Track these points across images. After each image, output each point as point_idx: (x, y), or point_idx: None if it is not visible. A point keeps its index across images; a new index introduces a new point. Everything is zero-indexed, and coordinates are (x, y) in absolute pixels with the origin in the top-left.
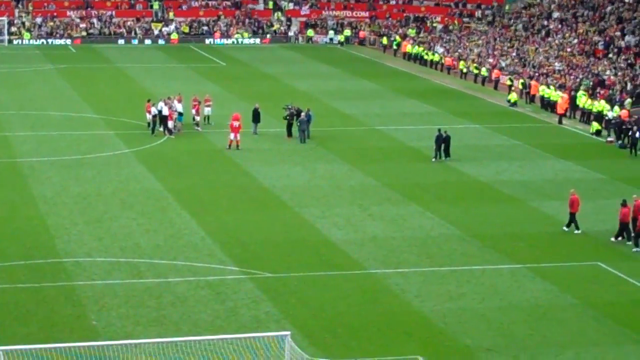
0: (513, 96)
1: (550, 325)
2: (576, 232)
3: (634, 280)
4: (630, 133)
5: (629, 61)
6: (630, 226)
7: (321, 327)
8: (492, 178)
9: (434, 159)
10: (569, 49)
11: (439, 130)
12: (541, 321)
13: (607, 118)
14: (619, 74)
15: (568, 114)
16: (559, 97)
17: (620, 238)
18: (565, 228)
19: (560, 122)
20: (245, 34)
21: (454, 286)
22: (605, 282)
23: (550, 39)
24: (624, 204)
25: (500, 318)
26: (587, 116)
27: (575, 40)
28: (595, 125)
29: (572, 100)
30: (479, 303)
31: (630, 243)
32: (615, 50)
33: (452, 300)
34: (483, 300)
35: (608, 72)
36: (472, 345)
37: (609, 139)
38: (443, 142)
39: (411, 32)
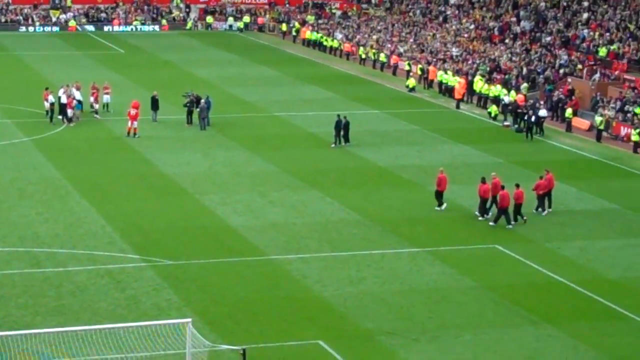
0: (411, 82)
1: (449, 307)
2: (437, 208)
3: (530, 262)
4: (526, 117)
5: (525, 46)
6: (512, 208)
7: (222, 313)
8: (391, 163)
9: (333, 145)
10: (465, 35)
11: (339, 116)
12: (440, 304)
13: (503, 102)
14: (515, 59)
15: (465, 98)
16: (457, 82)
17: (483, 214)
18: (437, 208)
19: (457, 107)
20: (138, 21)
21: (355, 271)
22: (502, 264)
23: (447, 24)
24: (483, 181)
25: (400, 301)
26: (484, 101)
27: (472, 26)
28: (494, 109)
29: (469, 85)
30: (379, 287)
31: (510, 226)
32: (511, 35)
33: (352, 285)
34: (383, 284)
35: (504, 57)
36: (373, 329)
37: (505, 123)
38: (342, 128)
39: (310, 18)
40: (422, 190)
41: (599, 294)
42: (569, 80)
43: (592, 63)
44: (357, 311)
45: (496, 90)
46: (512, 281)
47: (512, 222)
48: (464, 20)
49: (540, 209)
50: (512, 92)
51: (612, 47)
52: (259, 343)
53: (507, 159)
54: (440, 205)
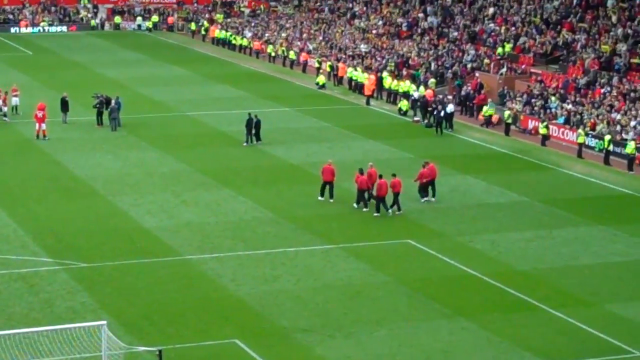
0: (321, 79)
1: (364, 303)
2: (320, 198)
3: (443, 256)
4: (435, 112)
5: (433, 42)
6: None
7: (138, 315)
8: (303, 160)
9: (245, 143)
10: (374, 31)
11: (250, 114)
12: (355, 300)
13: (412, 98)
14: (423, 54)
15: (375, 95)
16: (366, 78)
17: (360, 204)
18: (320, 197)
19: (368, 103)
20: (45, 22)
21: (269, 269)
22: (416, 259)
23: (356, 21)
24: (360, 172)
25: (315, 298)
26: (393, 97)
27: (380, 22)
28: (403, 105)
29: (379, 81)
30: (294, 284)
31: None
32: (419, 31)
33: (267, 283)
34: (298, 281)
35: (413, 53)
36: (289, 327)
37: (415, 118)
38: (254, 127)
39: (219, 17)
40: (334, 187)
41: (510, 286)
42: (477, 74)
43: (499, 57)
44: (272, 309)
45: (405, 85)
46: (425, 275)
47: (389, 210)
48: (372, 17)
49: (425, 198)
50: (421, 88)
51: (515, 44)
52: (175, 343)
53: (418, 154)
54: (326, 195)
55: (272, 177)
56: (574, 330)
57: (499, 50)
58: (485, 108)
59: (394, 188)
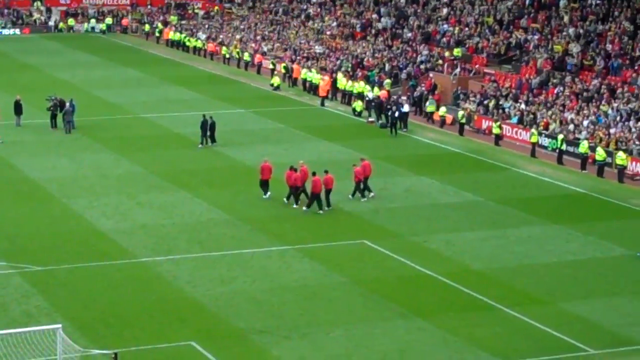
0: (276, 80)
1: (319, 304)
2: (264, 197)
3: (398, 256)
4: (389, 113)
5: (387, 43)
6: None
7: (93, 318)
8: (259, 161)
9: (200, 145)
10: (328, 32)
11: (204, 116)
12: (311, 300)
13: (367, 99)
14: (377, 55)
15: (330, 96)
16: (321, 79)
17: (290, 199)
18: (264, 196)
19: (322, 104)
20: None
21: (225, 270)
22: (371, 259)
23: (310, 22)
24: (291, 169)
25: (271, 299)
26: (348, 98)
27: (334, 24)
28: (358, 106)
29: (334, 82)
30: (250, 286)
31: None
32: (373, 32)
33: (223, 285)
34: (254, 282)
35: (367, 54)
36: (245, 328)
37: (369, 119)
38: (209, 128)
39: (173, 19)
40: (286, 188)
41: (465, 285)
42: (431, 75)
43: (453, 58)
44: (228, 311)
45: (360, 86)
46: (380, 275)
47: (325, 208)
48: (326, 18)
49: (360, 194)
50: (376, 89)
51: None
52: (131, 346)
53: (372, 155)
54: (265, 193)
55: (228, 179)
56: (529, 329)
57: (446, 53)
58: (441, 109)
59: (326, 185)
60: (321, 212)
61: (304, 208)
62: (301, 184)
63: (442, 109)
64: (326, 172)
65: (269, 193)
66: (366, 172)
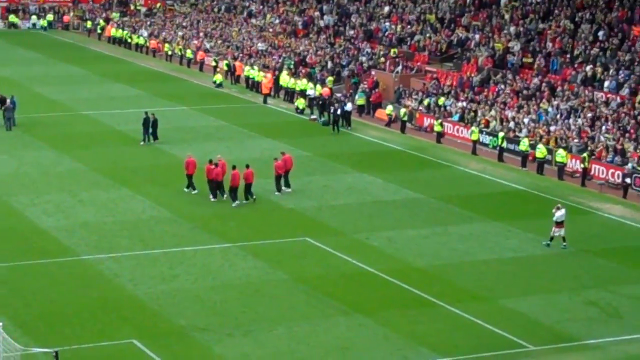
0: (218, 77)
1: (262, 301)
2: (185, 190)
3: (340, 253)
4: (332, 110)
5: (329, 40)
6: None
7: (34, 316)
8: (201, 159)
9: (142, 142)
10: (271, 30)
11: (146, 113)
12: (253, 298)
13: (309, 96)
14: (320, 52)
15: (272, 93)
16: (263, 77)
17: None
18: (185, 189)
19: (265, 101)
20: None
21: (167, 268)
22: (313, 256)
23: (252, 20)
24: (210, 163)
25: (213, 297)
26: (290, 95)
27: (277, 21)
28: (300, 103)
29: (276, 79)
30: (192, 283)
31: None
32: (315, 29)
33: (165, 282)
34: (196, 280)
35: (309, 52)
36: (187, 326)
37: (312, 116)
38: (151, 125)
39: (115, 15)
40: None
41: (407, 282)
42: (373, 73)
43: (395, 55)
44: (170, 308)
45: (302, 84)
46: (323, 273)
47: (245, 201)
48: (268, 16)
49: (277, 188)
50: (318, 86)
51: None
52: (72, 344)
53: (315, 152)
54: (189, 187)
55: (170, 176)
56: (469, 326)
57: (384, 51)
58: (388, 107)
59: (246, 179)
60: (234, 205)
61: (233, 203)
62: (221, 178)
63: (389, 107)
64: (247, 166)
65: (196, 191)
66: (287, 165)
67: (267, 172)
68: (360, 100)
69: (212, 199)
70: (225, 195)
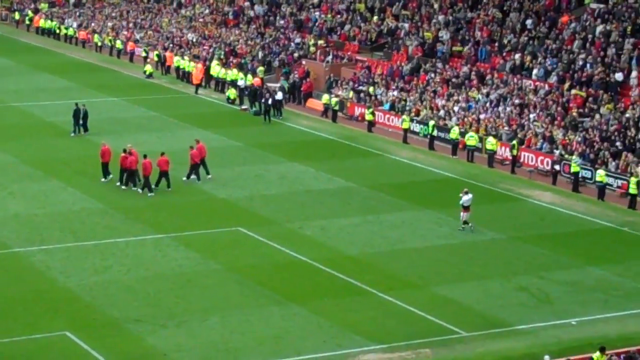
0: (149, 68)
1: (195, 291)
2: (103, 180)
3: (273, 243)
4: (263, 100)
5: (259, 30)
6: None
7: None
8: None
9: (72, 134)
10: (201, 20)
11: (77, 104)
12: (186, 288)
13: (240, 86)
14: (250, 43)
15: (203, 83)
16: (194, 67)
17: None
18: (102, 179)
19: (196, 92)
20: None
21: (99, 259)
22: (246, 246)
23: (182, 10)
24: (124, 152)
25: (146, 288)
26: (221, 85)
27: (207, 11)
28: (231, 93)
29: (207, 70)
30: (124, 275)
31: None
32: (246, 19)
33: (97, 274)
34: (129, 271)
35: (240, 42)
36: (120, 317)
37: (243, 106)
38: (81, 117)
39: (43, 6)
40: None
41: (340, 271)
42: (304, 62)
43: (326, 45)
44: (103, 300)
45: (233, 74)
46: (256, 262)
47: (156, 187)
48: (198, 6)
49: (191, 177)
50: (249, 76)
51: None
52: (4, 337)
53: (247, 142)
54: (105, 176)
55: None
56: (402, 313)
57: (311, 41)
58: (324, 96)
59: (160, 167)
60: (152, 194)
61: (139, 190)
62: (135, 167)
63: (325, 97)
64: (162, 154)
65: (110, 176)
66: (202, 153)
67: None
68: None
69: (122, 188)
70: (137, 187)
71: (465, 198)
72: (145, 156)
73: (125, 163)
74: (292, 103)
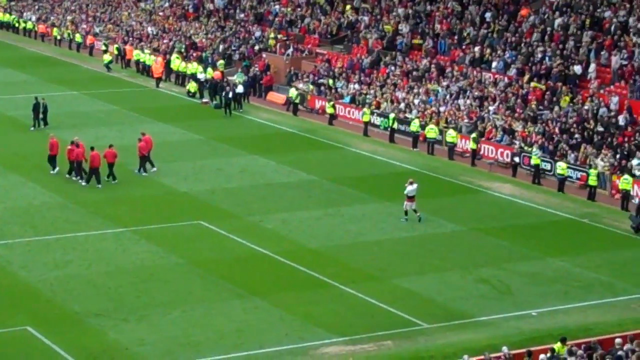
0: (107, 57)
1: (157, 286)
2: (52, 172)
3: (234, 236)
4: (223, 93)
5: (219, 23)
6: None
7: None
8: (92, 144)
9: (32, 128)
10: (161, 13)
11: (37, 98)
12: (148, 283)
13: (201, 80)
14: (210, 36)
15: (164, 77)
16: (154, 61)
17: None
18: (51, 172)
19: (157, 85)
20: None
21: (60, 254)
22: (207, 240)
23: (142, 3)
24: (71, 143)
25: (107, 282)
26: (181, 79)
27: (167, 4)
28: (192, 87)
29: (167, 63)
30: (85, 269)
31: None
32: (205, 13)
33: (58, 269)
34: (90, 266)
35: (200, 35)
36: (81, 312)
37: (203, 100)
38: (41, 111)
39: (2, 0)
40: (124, 171)
41: (301, 263)
42: (264, 55)
43: (286, 38)
44: (64, 295)
45: (193, 67)
46: (217, 256)
47: (106, 179)
48: None
49: (142, 170)
50: (209, 69)
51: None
52: None
53: (208, 136)
54: (54, 168)
55: (60, 162)
56: (363, 305)
57: (273, 35)
58: (291, 90)
59: (107, 159)
60: (99, 186)
61: (83, 183)
62: (82, 158)
63: (292, 90)
64: (110, 146)
65: (57, 169)
66: (148, 146)
67: (160, 157)
68: (239, 78)
69: (67, 177)
70: (83, 179)
71: (410, 188)
72: (92, 148)
73: (72, 155)
74: (252, 96)
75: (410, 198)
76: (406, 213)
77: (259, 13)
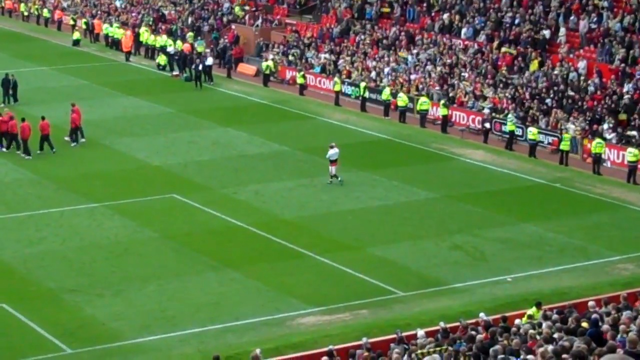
0: (76, 34)
1: (131, 260)
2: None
3: (208, 209)
4: (193, 66)
5: None
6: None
7: None
8: (62, 119)
9: (2, 104)
10: None
11: (6, 74)
12: (122, 257)
13: (170, 53)
14: (179, 8)
15: (133, 51)
16: (123, 34)
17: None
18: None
19: (127, 59)
20: None
21: (33, 230)
22: (181, 213)
23: None
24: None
25: (82, 258)
26: (151, 52)
27: None
28: (162, 60)
29: (136, 37)
30: (59, 245)
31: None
32: None
33: (32, 245)
34: (63, 242)
35: (168, 7)
36: (56, 288)
37: (174, 73)
38: (11, 87)
39: None
40: (96, 145)
41: (276, 235)
42: (233, 27)
43: (254, 9)
44: (39, 271)
45: (162, 40)
46: (191, 229)
47: (40, 151)
48: None
49: (73, 141)
50: (179, 42)
51: None
52: None
53: (178, 109)
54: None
55: (32, 138)
56: (339, 275)
57: (239, 6)
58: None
59: (41, 131)
60: (29, 157)
61: (26, 156)
62: (16, 130)
63: (266, 63)
64: (43, 118)
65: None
66: (79, 117)
67: (131, 131)
68: (200, 47)
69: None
70: (17, 149)
71: (331, 152)
72: (23, 119)
73: (2, 128)
74: (222, 68)
75: (333, 162)
76: (333, 176)
77: None
